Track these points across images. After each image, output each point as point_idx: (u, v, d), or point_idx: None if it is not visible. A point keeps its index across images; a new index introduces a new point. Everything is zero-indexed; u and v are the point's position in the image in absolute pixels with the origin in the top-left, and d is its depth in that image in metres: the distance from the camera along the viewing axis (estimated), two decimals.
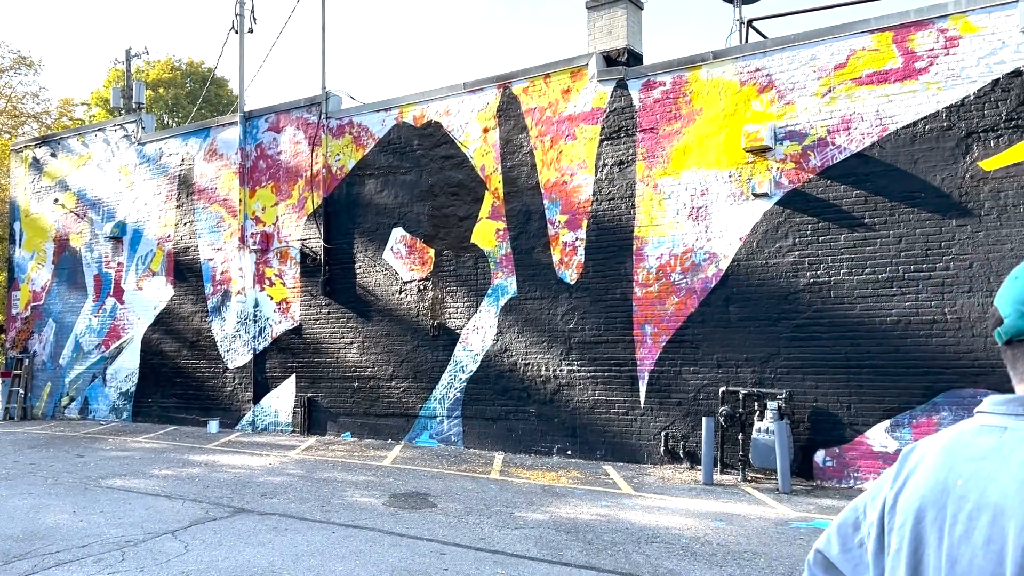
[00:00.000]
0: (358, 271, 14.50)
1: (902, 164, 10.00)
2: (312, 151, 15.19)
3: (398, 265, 14.08)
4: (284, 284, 15.42)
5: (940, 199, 9.77)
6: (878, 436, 9.96)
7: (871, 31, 10.31)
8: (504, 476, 10.87)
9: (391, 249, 14.18)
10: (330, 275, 14.78)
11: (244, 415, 15.72)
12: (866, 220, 10.19)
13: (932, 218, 9.80)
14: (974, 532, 1.24)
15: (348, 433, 14.43)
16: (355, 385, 14.39)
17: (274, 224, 15.63)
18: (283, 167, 15.64)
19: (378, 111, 14.55)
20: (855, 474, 10.08)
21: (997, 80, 9.53)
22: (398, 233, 14.11)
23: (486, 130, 13.30)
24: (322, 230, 14.87)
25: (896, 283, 9.96)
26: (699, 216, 11.34)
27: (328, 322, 14.78)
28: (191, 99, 41.42)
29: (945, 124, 9.79)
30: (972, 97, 9.65)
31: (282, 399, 15.26)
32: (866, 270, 10.15)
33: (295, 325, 15.19)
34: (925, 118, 9.90)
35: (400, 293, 14.01)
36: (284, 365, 15.29)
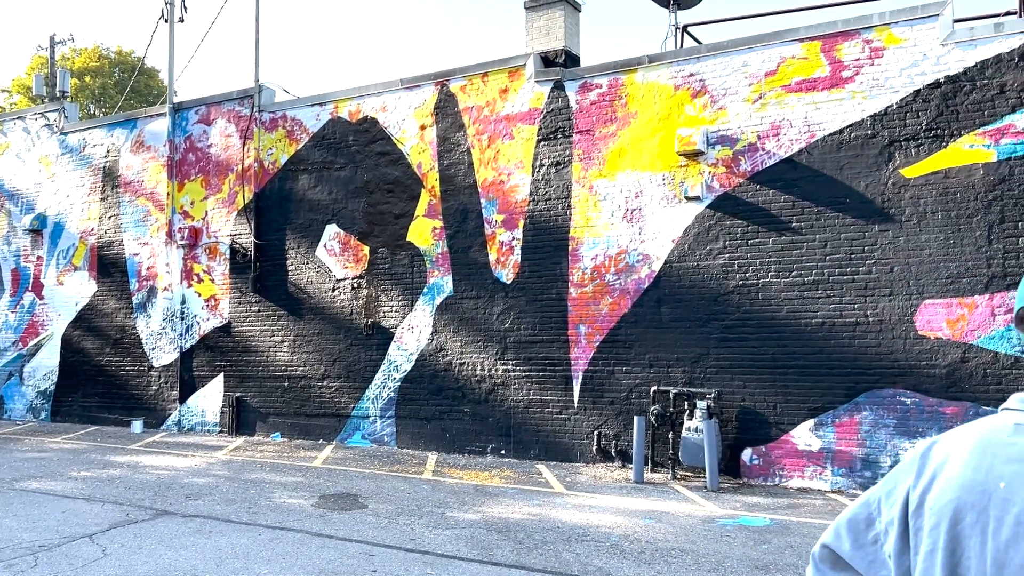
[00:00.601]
0: (290, 268, 14.24)
1: (828, 170, 10.28)
2: (244, 145, 14.85)
3: (331, 262, 13.87)
4: (213, 281, 15.04)
5: (864, 205, 10.07)
6: (802, 435, 10.22)
7: (801, 40, 10.57)
8: (437, 476, 10.81)
9: (324, 246, 13.96)
10: (261, 272, 14.48)
11: (169, 415, 15.28)
12: (793, 224, 10.44)
13: (856, 223, 10.10)
14: None
15: (278, 433, 14.15)
16: (286, 385, 14.12)
17: (203, 219, 15.23)
18: (213, 160, 15.25)
19: (313, 105, 14.31)
20: (780, 472, 10.32)
21: (918, 91, 9.87)
22: (332, 230, 13.90)
23: (423, 127, 13.20)
24: (253, 226, 14.55)
25: (821, 286, 10.23)
26: (633, 218, 11.46)
27: (258, 320, 14.47)
28: (119, 89, 40.11)
29: (869, 132, 10.10)
30: (895, 107, 9.98)
31: (209, 399, 14.89)
32: (793, 273, 10.40)
33: (224, 323, 14.83)
34: (851, 126, 10.20)
35: (333, 291, 13.81)
36: (212, 364, 14.91)
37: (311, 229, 14.11)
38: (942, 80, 9.76)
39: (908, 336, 9.74)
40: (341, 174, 13.88)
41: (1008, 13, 11.25)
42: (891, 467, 9.65)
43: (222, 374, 14.78)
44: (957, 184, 9.62)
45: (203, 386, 14.98)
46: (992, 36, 9.59)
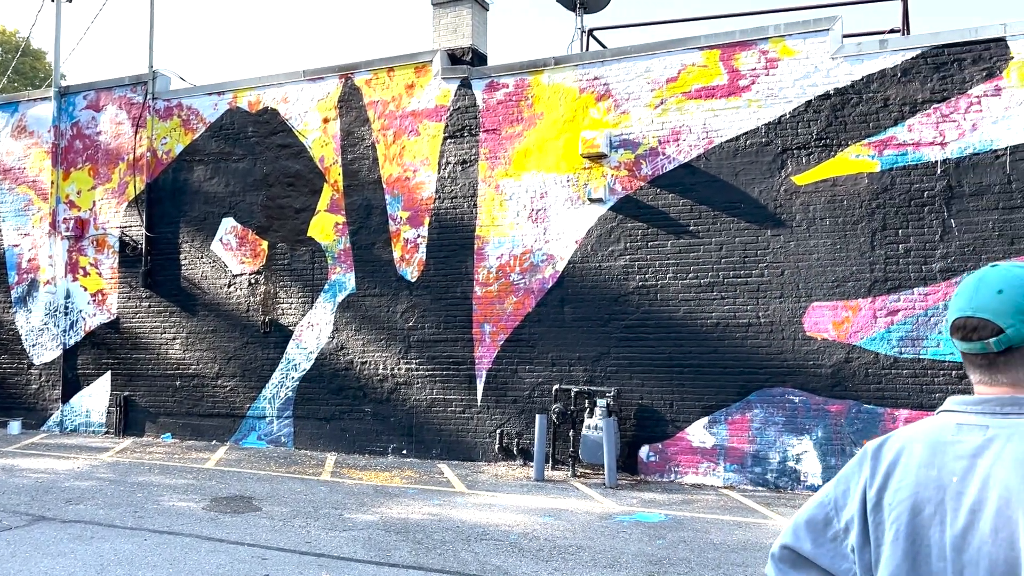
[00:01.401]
0: (183, 262, 13.70)
1: (725, 176, 10.61)
2: (136, 133, 14.21)
3: (228, 257, 13.42)
4: (100, 274, 14.32)
5: (757, 210, 10.44)
6: (697, 432, 10.51)
7: (701, 48, 10.87)
8: (336, 477, 10.60)
9: (221, 240, 13.50)
10: (152, 266, 13.87)
11: (51, 415, 14.46)
12: (691, 228, 10.73)
13: (750, 227, 10.46)
14: (979, 523, 1.37)
15: (168, 434, 13.59)
16: (177, 384, 13.57)
17: (91, 209, 14.49)
18: (103, 148, 14.53)
19: (210, 94, 13.81)
20: (676, 468, 10.59)
21: (810, 101, 10.30)
22: (228, 223, 13.45)
23: (326, 120, 12.93)
24: (144, 217, 13.93)
25: (716, 288, 10.55)
26: (538, 218, 11.54)
27: (149, 316, 13.87)
28: (2, 70, 37.80)
29: (764, 140, 10.47)
30: (788, 116, 10.39)
31: (95, 398, 14.17)
32: (690, 275, 10.69)
33: (112, 319, 14.15)
34: (746, 133, 10.55)
35: (229, 287, 13.37)
36: (98, 361, 14.20)
37: (207, 222, 13.62)
38: (831, 92, 10.21)
39: (797, 337, 10.15)
40: (239, 166, 13.45)
41: (893, 31, 11.88)
42: (781, 462, 10.05)
43: (109, 372, 14.09)
44: (844, 192, 10.09)
45: (88, 385, 14.25)
46: (878, 52, 10.09)
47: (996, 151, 9.50)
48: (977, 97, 9.60)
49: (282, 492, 9.50)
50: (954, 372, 9.48)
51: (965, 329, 1.49)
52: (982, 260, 9.44)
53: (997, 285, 1.47)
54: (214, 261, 13.52)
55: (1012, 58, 9.48)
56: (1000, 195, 9.46)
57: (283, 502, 8.94)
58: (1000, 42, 9.56)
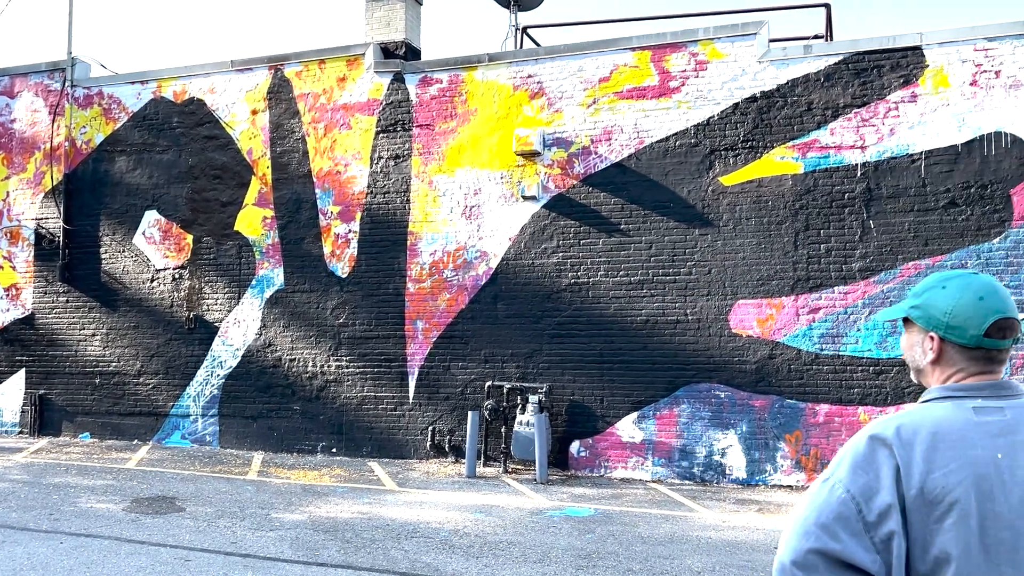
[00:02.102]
0: (104, 256, 13.23)
1: (655, 175, 10.78)
2: (54, 121, 13.65)
3: (151, 251, 13.02)
4: (14, 268, 13.72)
5: (686, 209, 10.64)
6: (626, 427, 10.66)
7: (632, 49, 11.01)
8: (263, 477, 10.40)
9: (143, 234, 13.08)
10: (70, 260, 13.36)
11: None
12: (622, 226, 10.87)
13: (679, 227, 10.65)
14: None
15: (87, 434, 13.12)
16: (97, 382, 13.11)
17: (3, 200, 13.87)
18: (17, 137, 13.92)
19: (133, 83, 13.37)
20: (606, 463, 10.72)
21: (737, 104, 10.54)
22: (152, 216, 13.05)
23: (255, 112, 12.65)
24: (62, 209, 13.40)
25: (646, 285, 10.71)
26: (472, 215, 11.52)
27: (67, 312, 13.36)
28: None
29: (693, 141, 10.67)
30: (716, 118, 10.61)
31: (8, 396, 13.58)
32: (620, 273, 10.83)
33: (26, 314, 13.57)
34: (676, 134, 10.74)
35: (152, 282, 12.97)
36: (12, 359, 13.61)
37: (128, 215, 13.18)
38: (758, 95, 10.46)
39: (723, 334, 10.39)
40: (164, 157, 13.05)
41: (817, 37, 12.25)
42: (707, 456, 10.27)
43: (23, 370, 13.52)
44: (768, 193, 10.36)
45: (0, 383, 13.64)
46: (802, 57, 10.39)
47: (912, 155, 9.88)
48: (895, 103, 9.98)
49: (207, 492, 9.27)
50: (871, 368, 9.84)
51: (1011, 329, 1.70)
52: (899, 260, 9.83)
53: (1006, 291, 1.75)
54: (136, 255, 13.10)
55: (927, 66, 9.88)
56: (915, 198, 9.85)
57: (208, 502, 8.72)
58: (916, 50, 9.95)
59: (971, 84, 9.72)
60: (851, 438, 1.69)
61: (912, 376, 1.88)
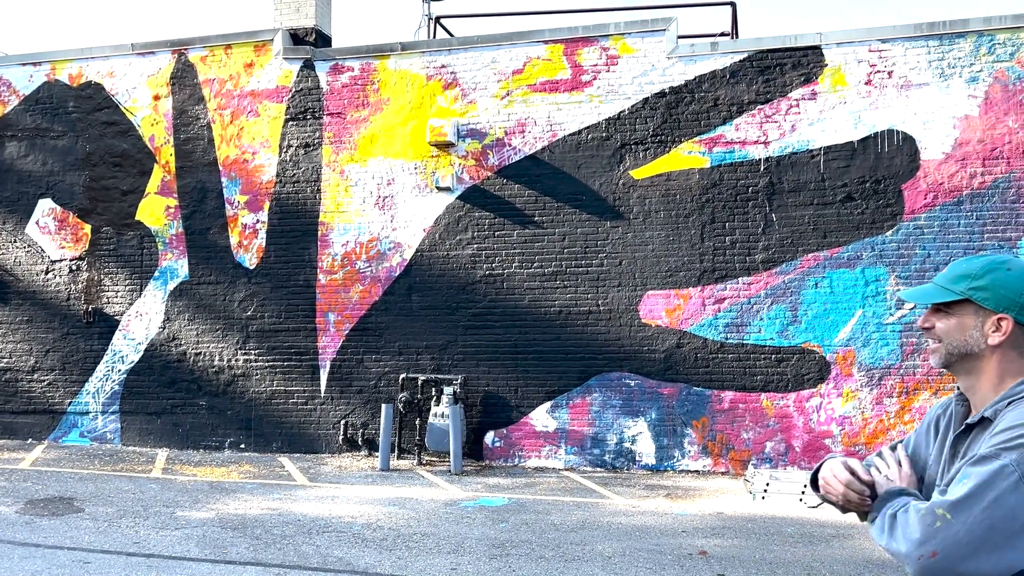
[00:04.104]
0: None
1: (568, 168, 10.90)
2: None
3: (45, 241, 12.40)
4: None
5: (598, 202, 10.80)
6: (540, 417, 10.78)
7: (545, 42, 11.09)
8: (168, 474, 10.07)
9: (37, 223, 12.44)
10: None
11: None
12: (536, 218, 10.95)
13: (591, 219, 10.80)
14: None
15: None
16: None
17: None
18: None
19: (25, 64, 12.67)
20: (520, 453, 10.82)
21: (647, 99, 10.75)
22: (46, 205, 12.42)
23: (157, 97, 12.18)
24: None
25: (559, 277, 10.84)
26: (385, 205, 11.40)
27: None
28: None
29: (604, 135, 10.83)
30: (627, 112, 10.79)
31: None
32: (535, 264, 10.92)
33: None
34: (588, 127, 10.88)
35: (47, 273, 12.35)
36: None
37: (20, 203, 12.51)
38: (667, 90, 10.70)
39: (633, 324, 10.61)
40: (59, 143, 12.43)
41: (723, 34, 12.60)
42: (618, 443, 10.48)
43: None
44: (677, 187, 10.62)
45: None
46: (709, 54, 10.67)
47: (812, 151, 10.29)
48: (796, 100, 10.36)
49: (108, 491, 8.92)
50: (773, 356, 10.22)
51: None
52: (799, 252, 10.23)
53: None
54: (30, 246, 12.45)
55: (826, 65, 10.30)
56: (815, 192, 10.27)
57: (109, 502, 8.40)
58: (816, 50, 10.35)
59: (866, 83, 10.18)
60: None
61: (939, 361, 1.83)
